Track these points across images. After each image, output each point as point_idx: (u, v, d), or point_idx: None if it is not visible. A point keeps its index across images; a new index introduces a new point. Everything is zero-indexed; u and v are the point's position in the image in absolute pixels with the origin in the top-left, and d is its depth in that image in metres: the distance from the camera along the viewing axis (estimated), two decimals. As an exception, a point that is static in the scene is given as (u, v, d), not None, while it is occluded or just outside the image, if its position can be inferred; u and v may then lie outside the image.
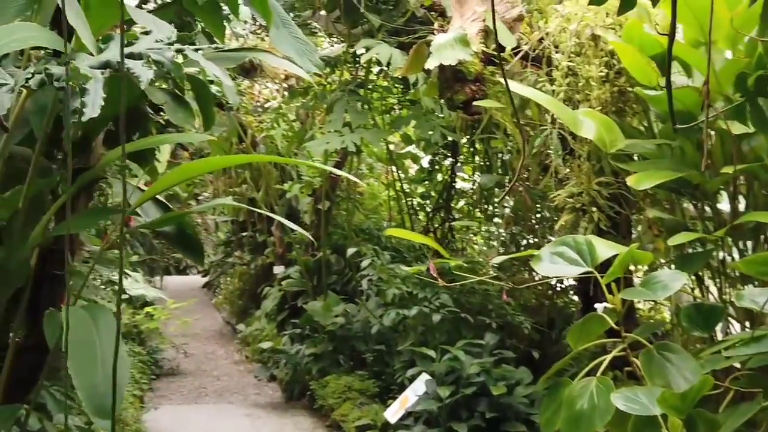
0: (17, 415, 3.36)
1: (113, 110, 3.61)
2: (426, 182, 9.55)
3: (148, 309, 10.14)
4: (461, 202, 9.31)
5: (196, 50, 2.80)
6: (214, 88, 5.82)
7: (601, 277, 3.87)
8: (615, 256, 3.94)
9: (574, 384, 3.83)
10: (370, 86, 8.59)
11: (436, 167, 9.37)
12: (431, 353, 6.28)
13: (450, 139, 7.92)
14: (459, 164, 9.03)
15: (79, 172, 3.57)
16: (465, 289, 6.86)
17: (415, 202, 9.81)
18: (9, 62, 3.57)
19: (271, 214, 3.95)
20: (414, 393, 6.26)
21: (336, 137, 7.44)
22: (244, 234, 12.65)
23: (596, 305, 3.93)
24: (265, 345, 8.83)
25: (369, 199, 11.23)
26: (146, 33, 2.87)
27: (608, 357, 3.89)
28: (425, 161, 9.65)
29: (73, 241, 3.71)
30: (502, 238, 8.03)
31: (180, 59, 2.83)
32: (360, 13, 7.49)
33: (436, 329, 6.82)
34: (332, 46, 10.04)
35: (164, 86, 4.37)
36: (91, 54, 2.75)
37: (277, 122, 9.82)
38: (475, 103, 5.71)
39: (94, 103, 2.44)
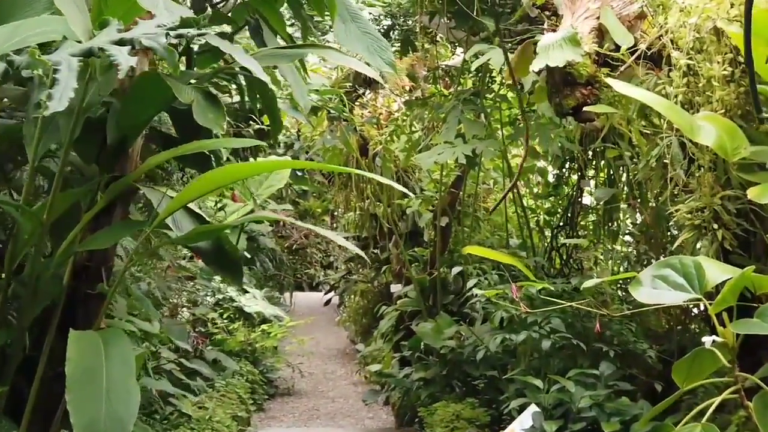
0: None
1: (151, 111, 3.34)
2: (552, 197, 8.95)
3: (264, 327, 9.93)
4: (591, 217, 8.65)
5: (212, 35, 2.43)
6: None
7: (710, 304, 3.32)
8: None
9: (676, 431, 3.30)
10: (490, 95, 8.12)
11: (563, 181, 8.77)
12: (538, 383, 5.74)
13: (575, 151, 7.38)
14: (585, 178, 8.40)
15: (114, 181, 3.28)
16: (581, 314, 6.27)
17: (541, 219, 9.23)
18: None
19: (326, 233, 3.54)
20: (520, 426, 5.73)
21: (447, 149, 7.01)
22: (367, 250, 12.32)
23: (704, 338, 3.34)
24: (374, 367, 8.46)
25: (495, 214, 10.71)
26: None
27: (716, 400, 3.32)
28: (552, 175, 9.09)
29: (107, 257, 3.40)
30: (633, 258, 7.38)
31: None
32: (473, 18, 7.04)
33: (550, 356, 6.27)
34: (456, 56, 9.64)
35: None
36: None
37: (396, 134, 9.46)
38: (585, 108, 5.19)
39: (62, 95, 2.10)
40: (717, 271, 3.50)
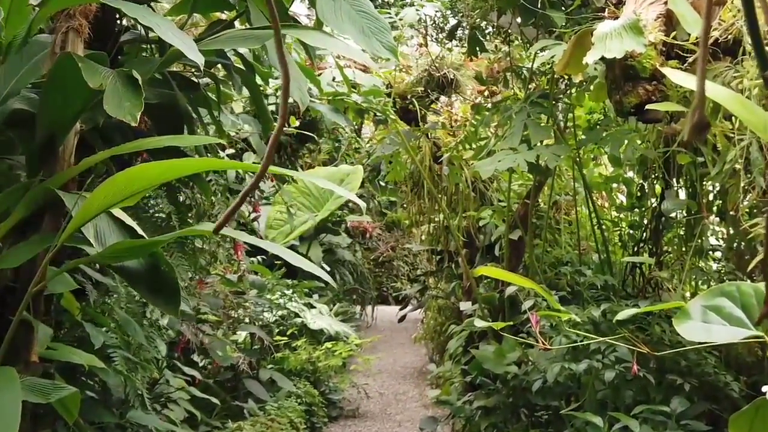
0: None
1: (78, 103, 2.83)
2: (636, 210, 8.16)
3: (327, 344, 9.41)
4: (678, 231, 7.81)
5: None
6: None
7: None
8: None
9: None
10: (561, 96, 7.43)
11: (647, 191, 7.97)
12: (597, 421, 5.03)
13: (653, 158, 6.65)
14: (671, 188, 7.59)
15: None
16: (653, 340, 5.55)
17: (624, 233, 8.46)
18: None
19: (255, 240, 2.98)
20: (579, 469, 5.06)
21: (508, 156, 6.37)
22: (445, 265, 11.69)
23: (765, 387, 2.65)
24: (433, 393, 7.83)
25: (576, 228, 9.97)
26: None
27: (779, 469, 2.62)
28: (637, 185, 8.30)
29: (33, 275, 2.90)
30: (718, 278, 6.58)
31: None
32: (538, 13, 6.41)
33: (618, 388, 5.56)
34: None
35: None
36: None
37: (468, 141, 8.84)
38: (648, 106, 4.50)
39: None
40: (787, 302, 2.79)
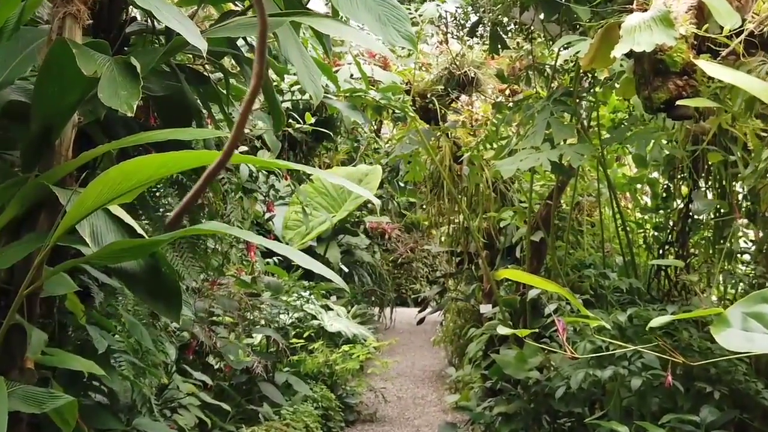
0: None
1: (76, 92, 2.66)
2: (661, 211, 7.95)
3: (345, 347, 9.25)
4: (705, 233, 7.59)
5: None
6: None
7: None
8: None
9: None
10: (585, 94, 7.23)
11: (673, 192, 7.75)
12: (623, 430, 4.83)
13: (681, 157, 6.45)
14: (698, 188, 7.37)
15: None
16: (681, 346, 5.34)
17: (649, 235, 8.24)
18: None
19: (262, 240, 2.81)
20: (604, 480, 4.86)
21: (531, 155, 6.19)
22: (464, 267, 11.49)
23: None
24: (452, 398, 7.64)
25: (599, 229, 9.76)
26: None
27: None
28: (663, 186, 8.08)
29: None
30: (748, 282, 6.36)
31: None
32: (562, 7, 6.22)
33: (645, 396, 5.36)
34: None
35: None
36: None
37: (489, 141, 8.65)
38: (679, 102, 4.30)
39: None
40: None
